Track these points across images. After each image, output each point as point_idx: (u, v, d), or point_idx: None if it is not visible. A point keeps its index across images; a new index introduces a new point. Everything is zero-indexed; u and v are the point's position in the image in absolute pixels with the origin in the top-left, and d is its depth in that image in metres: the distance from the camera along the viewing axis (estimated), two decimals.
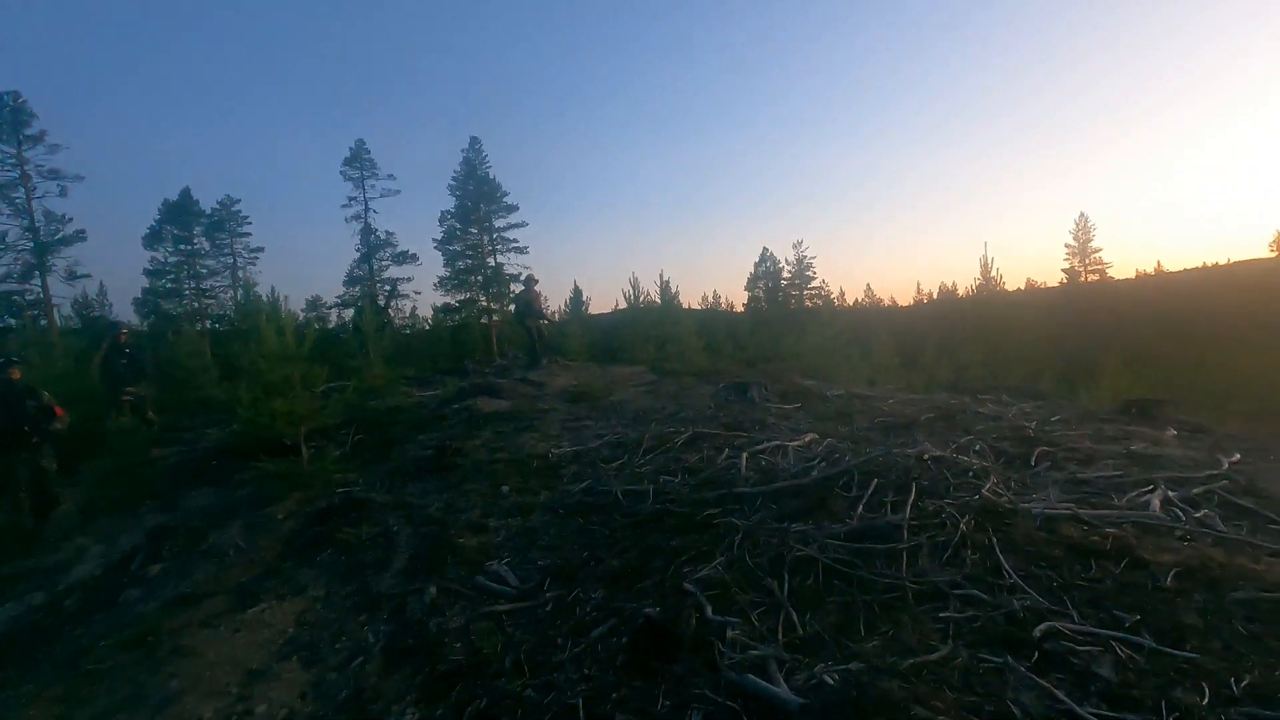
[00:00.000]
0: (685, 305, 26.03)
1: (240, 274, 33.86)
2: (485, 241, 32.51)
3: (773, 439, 5.51)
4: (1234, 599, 2.62)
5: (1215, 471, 4.17)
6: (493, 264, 32.27)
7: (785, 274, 44.75)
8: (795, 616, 2.86)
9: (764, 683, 2.37)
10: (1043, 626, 2.54)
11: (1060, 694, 2.17)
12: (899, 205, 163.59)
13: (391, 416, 8.57)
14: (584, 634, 3.05)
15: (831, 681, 2.32)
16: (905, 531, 3.38)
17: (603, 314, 35.71)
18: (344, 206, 32.38)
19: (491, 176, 32.82)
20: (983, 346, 16.98)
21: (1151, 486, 3.93)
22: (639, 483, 4.94)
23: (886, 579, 3.03)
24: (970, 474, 4.12)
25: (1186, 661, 2.31)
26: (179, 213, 32.96)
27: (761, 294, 44.75)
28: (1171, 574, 2.83)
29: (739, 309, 48.26)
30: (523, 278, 14.64)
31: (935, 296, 64.86)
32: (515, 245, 32.77)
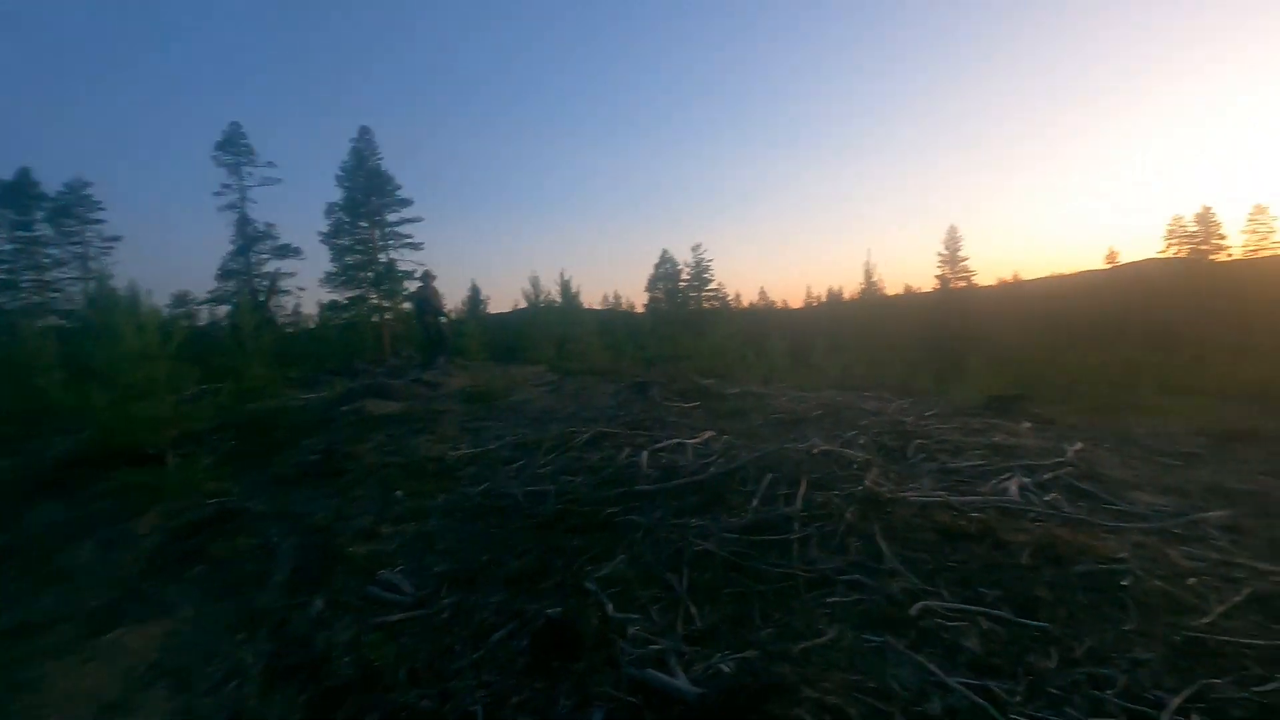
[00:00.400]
0: (586, 305, 26.00)
1: (91, 265, 30.51)
2: (376, 236, 31.01)
3: (672, 437, 5.61)
4: (1077, 572, 2.93)
5: (1062, 459, 4.64)
6: (384, 260, 30.84)
7: (684, 276, 45.66)
8: (694, 609, 2.93)
9: (663, 676, 2.41)
10: (918, 606, 2.75)
11: (933, 667, 2.35)
12: (792, 212, 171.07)
13: (273, 420, 8.02)
14: (483, 639, 2.99)
15: (728, 670, 2.40)
16: (797, 523, 3.56)
17: (502, 313, 35.09)
18: (216, 195, 29.85)
19: (383, 169, 31.34)
20: (866, 346, 18.08)
21: (1009, 474, 4.32)
22: (540, 483, 4.89)
23: (779, 569, 3.17)
24: (855, 466, 4.38)
25: (1039, 630, 2.56)
26: (15, 195, 29.25)
27: (661, 295, 45.39)
28: (1026, 552, 3.13)
29: (639, 309, 48.76)
30: (419, 274, 14.05)
31: (824, 300, 68.25)
32: (409, 241, 31.44)
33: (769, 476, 4.15)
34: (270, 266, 30.16)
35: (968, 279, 49.07)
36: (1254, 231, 49.59)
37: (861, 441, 5.35)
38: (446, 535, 4.29)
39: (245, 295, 26.56)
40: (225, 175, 29.81)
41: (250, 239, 29.93)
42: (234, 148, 29.96)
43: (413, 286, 23.24)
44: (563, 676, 2.58)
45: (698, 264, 45.40)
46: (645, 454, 5.10)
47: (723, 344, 17.37)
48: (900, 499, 3.77)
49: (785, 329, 22.41)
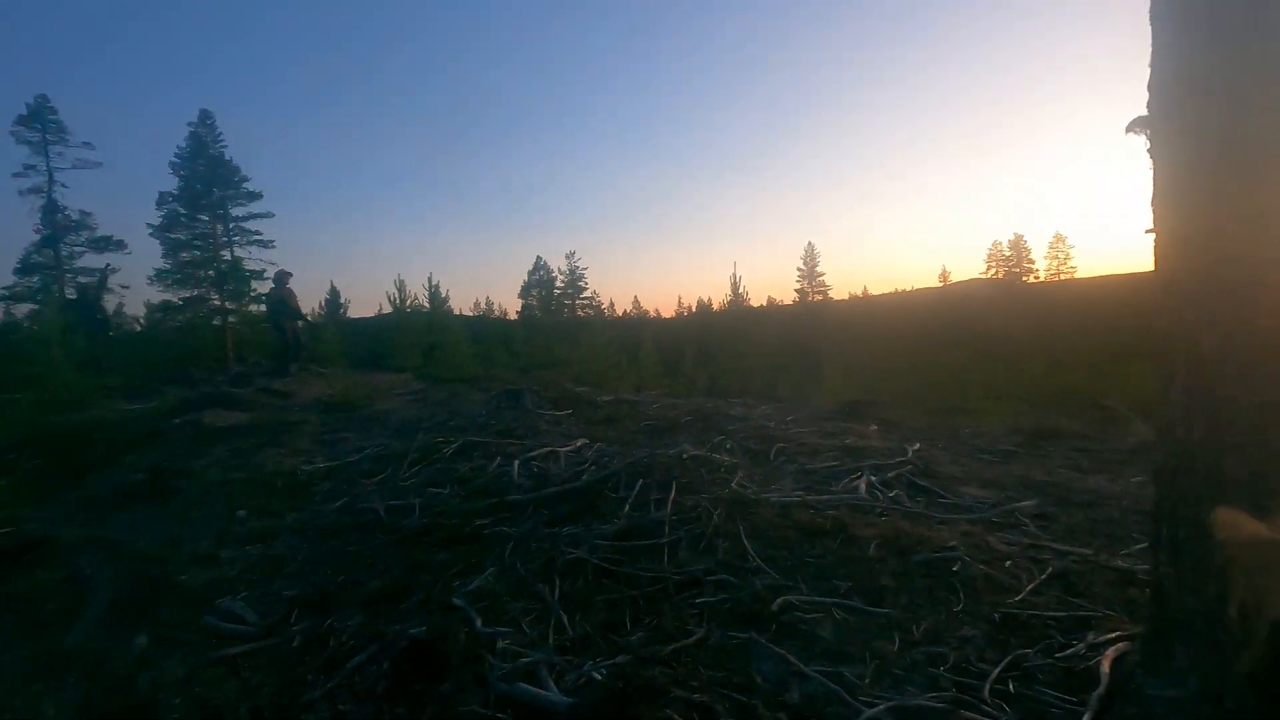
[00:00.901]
0: (457, 311, 25.21)
1: None
2: (219, 231, 28.23)
3: (545, 445, 5.55)
4: (916, 561, 3.22)
5: (904, 459, 5.08)
6: (229, 257, 28.14)
7: (559, 283, 45.59)
8: (566, 619, 2.91)
9: (534, 689, 2.37)
10: (779, 601, 2.89)
11: (792, 658, 2.47)
12: (667, 223, 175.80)
13: (87, 435, 7.05)
14: (339, 666, 2.78)
15: (599, 677, 2.40)
16: (667, 526, 3.63)
17: (365, 318, 33.09)
18: (17, 176, 25.83)
19: (227, 158, 28.53)
20: (733, 355, 18.90)
21: (859, 473, 4.67)
22: (404, 497, 4.66)
23: (650, 573, 3.22)
24: (722, 470, 4.55)
25: (884, 617, 2.78)
26: None
27: (535, 302, 45.04)
28: (874, 545, 3.39)
29: (513, 316, 48.05)
30: (272, 274, 12.98)
31: (694, 310, 70.65)
32: (258, 238, 28.77)
33: (640, 482, 4.21)
34: (85, 261, 26.54)
35: (824, 293, 52.76)
36: (1055, 258, 57.22)
37: (728, 446, 5.57)
38: (298, 556, 3.96)
39: (55, 292, 23.23)
40: (28, 154, 25.89)
41: (60, 229, 26.17)
42: (40, 123, 26.12)
43: (264, 288, 21.41)
44: (427, 699, 2.46)
45: (572, 271, 45.54)
46: (517, 463, 5.01)
47: (597, 352, 17.47)
48: (764, 500, 3.96)
49: (657, 338, 22.94)
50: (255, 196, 28.86)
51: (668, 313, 75.79)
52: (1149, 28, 1.98)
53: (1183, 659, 1.91)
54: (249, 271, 27.78)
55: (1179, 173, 1.91)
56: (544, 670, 2.49)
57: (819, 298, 52.56)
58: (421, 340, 16.25)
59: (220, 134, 28.65)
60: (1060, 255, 57.55)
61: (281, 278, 12.82)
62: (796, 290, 53.43)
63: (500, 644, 2.69)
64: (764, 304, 57.29)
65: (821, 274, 52.95)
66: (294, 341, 12.50)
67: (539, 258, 47.83)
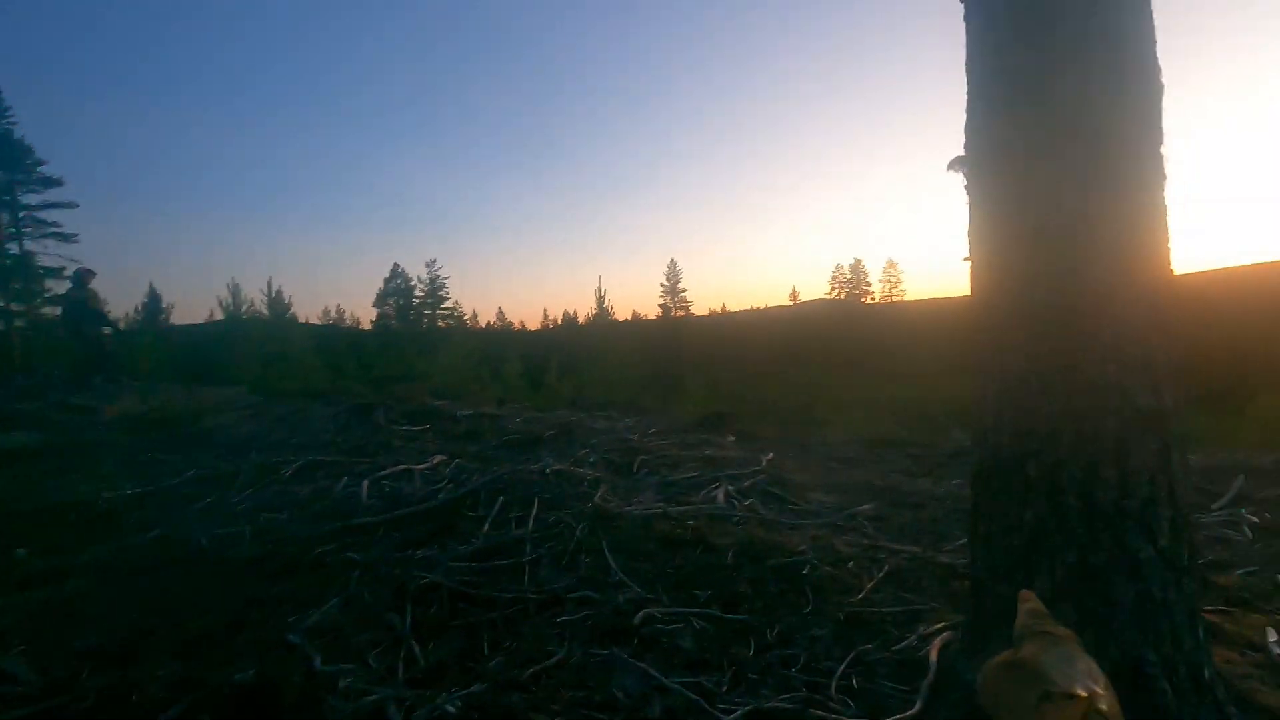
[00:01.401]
0: (302, 319, 23.36)
1: None
2: (5, 221, 24.27)
3: (399, 463, 5.24)
4: (770, 566, 3.36)
5: (758, 468, 5.33)
6: (16, 251, 24.24)
7: (418, 292, 43.71)
8: (418, 649, 2.73)
9: None
10: (641, 614, 2.89)
11: (654, 671, 2.48)
12: (532, 235, 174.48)
13: None
14: None
15: (453, 709, 2.26)
16: (529, 544, 3.54)
17: (191, 325, 29.72)
18: None
19: (20, 137, 24.75)
20: (598, 368, 19.00)
21: (718, 483, 4.83)
22: (235, 524, 4.19)
23: (510, 594, 3.11)
24: (585, 484, 4.52)
25: (740, 623, 2.86)
26: None
27: (392, 311, 42.86)
28: (731, 553, 3.50)
29: (366, 326, 45.36)
30: (71, 273, 11.34)
31: (560, 322, 70.46)
32: (57, 230, 25.12)
33: (501, 499, 4.08)
34: None
35: (686, 309, 54.72)
36: (888, 281, 63.21)
37: (591, 460, 5.55)
38: (96, 599, 3.42)
39: None
40: None
41: None
42: None
43: (62, 288, 18.60)
44: None
45: (433, 280, 43.90)
46: (366, 483, 4.68)
47: (458, 364, 16.87)
48: (627, 513, 3.98)
49: (522, 350, 22.57)
50: (54, 183, 25.20)
51: (533, 325, 75.10)
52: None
53: (996, 644, 2.12)
54: (43, 268, 24.14)
55: (989, 209, 2.15)
56: (391, 706, 2.31)
57: (681, 313, 54.48)
58: (259, 351, 14.81)
59: (9, 108, 24.77)
60: (892, 279, 63.83)
61: (81, 277, 11.21)
62: (660, 305, 55.12)
63: (343, 682, 2.47)
64: (628, 318, 58.39)
65: (683, 290, 55.03)
66: (98, 350, 10.97)
67: (396, 265, 45.67)
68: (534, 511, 3.87)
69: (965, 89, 2.23)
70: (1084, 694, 0.71)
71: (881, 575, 3.32)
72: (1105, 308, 1.87)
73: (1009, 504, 2.06)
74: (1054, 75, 1.96)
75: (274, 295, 16.94)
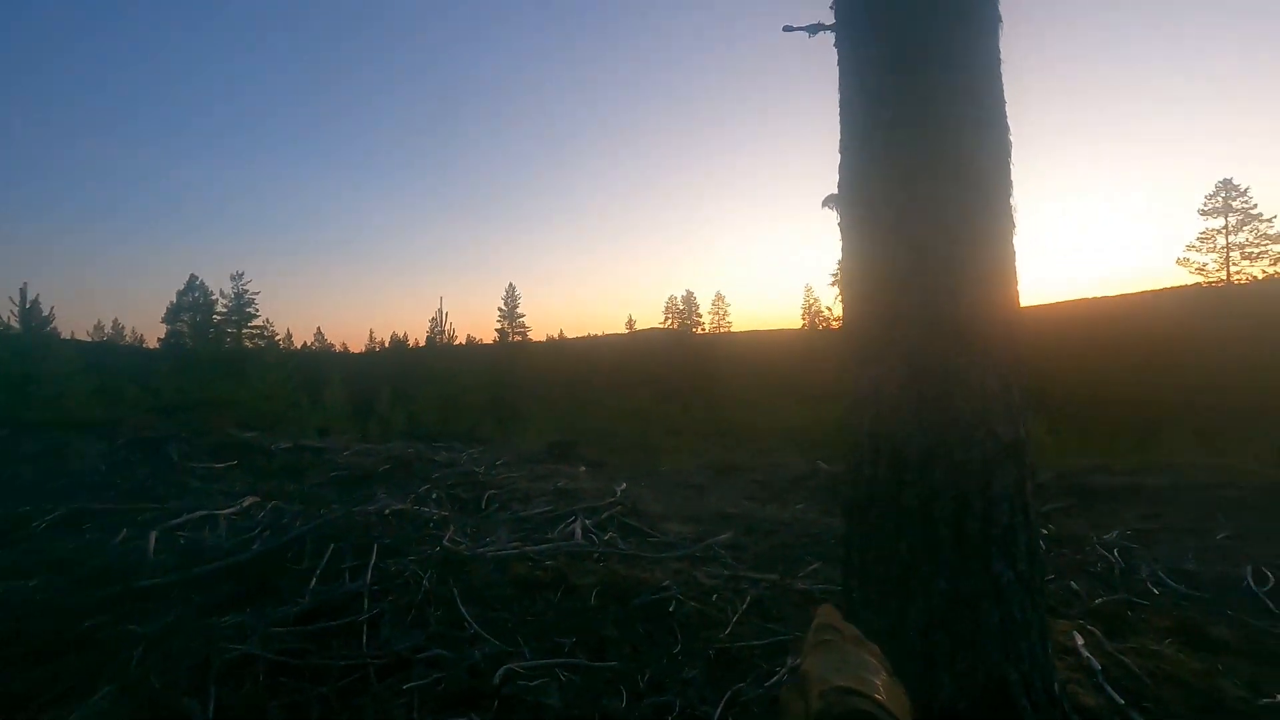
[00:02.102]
0: (67, 335, 19.76)
1: None
2: None
3: (198, 508, 4.45)
4: (635, 605, 3.22)
5: (614, 499, 5.20)
6: None
7: (221, 308, 38.98)
8: None
9: None
10: (500, 671, 2.61)
11: None
12: (353, 250, 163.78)
13: None
14: None
15: None
16: (366, 599, 3.11)
17: None
18: None
19: None
20: (433, 395, 17.98)
21: (574, 517, 4.63)
22: None
23: (345, 661, 2.67)
24: (431, 525, 4.13)
25: (609, 670, 2.68)
26: None
27: (187, 328, 37.83)
28: (594, 594, 3.31)
29: (153, 344, 39.57)
30: None
31: (388, 345, 66.46)
32: None
33: (331, 548, 3.58)
34: None
35: (524, 334, 54.03)
36: (715, 312, 67.02)
37: (435, 497, 5.12)
38: None
39: None
40: None
41: None
42: None
43: None
44: None
45: (239, 295, 39.31)
46: (154, 534, 3.90)
47: (271, 389, 15.08)
48: (479, 556, 3.65)
49: (346, 374, 20.85)
50: None
51: (357, 347, 70.16)
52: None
53: None
54: None
55: (863, 250, 2.22)
56: None
57: (519, 338, 53.65)
58: (7, 372, 12.19)
59: None
60: (720, 310, 67.83)
61: None
62: (497, 330, 53.86)
63: None
64: (464, 342, 56.50)
65: (522, 315, 54.28)
66: None
67: (194, 276, 40.42)
68: (372, 560, 3.42)
69: (826, 134, 2.32)
70: (849, 685, 0.66)
71: (745, 606, 3.31)
72: (971, 343, 1.98)
73: (884, 535, 2.10)
74: (920, 129, 2.08)
75: (29, 305, 14.08)
